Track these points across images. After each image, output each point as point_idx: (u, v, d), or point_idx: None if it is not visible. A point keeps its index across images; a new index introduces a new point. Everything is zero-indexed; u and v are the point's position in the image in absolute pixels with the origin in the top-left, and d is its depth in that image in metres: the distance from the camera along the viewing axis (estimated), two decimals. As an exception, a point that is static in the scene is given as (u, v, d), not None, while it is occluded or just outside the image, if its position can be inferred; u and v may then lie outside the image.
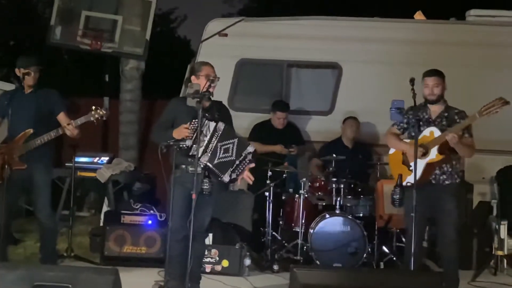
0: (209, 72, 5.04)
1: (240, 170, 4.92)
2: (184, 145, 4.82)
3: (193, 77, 5.14)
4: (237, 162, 4.90)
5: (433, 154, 5.18)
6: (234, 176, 4.91)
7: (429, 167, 5.21)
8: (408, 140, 5.37)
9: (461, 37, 7.56)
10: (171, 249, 4.97)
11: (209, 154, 4.83)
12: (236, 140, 4.92)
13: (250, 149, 4.94)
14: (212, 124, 4.85)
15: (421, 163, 5.17)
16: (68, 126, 5.46)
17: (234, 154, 4.90)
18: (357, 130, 7.25)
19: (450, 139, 5.05)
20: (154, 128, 5.24)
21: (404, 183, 5.24)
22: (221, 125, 4.89)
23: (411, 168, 5.18)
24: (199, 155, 4.73)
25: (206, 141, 4.81)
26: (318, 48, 7.68)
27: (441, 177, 5.28)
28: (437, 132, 5.18)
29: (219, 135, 4.87)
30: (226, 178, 4.89)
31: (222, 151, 4.87)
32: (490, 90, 6.86)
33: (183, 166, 4.93)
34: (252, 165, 4.97)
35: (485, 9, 7.91)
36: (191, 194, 4.65)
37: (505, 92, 7.10)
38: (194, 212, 4.61)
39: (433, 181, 5.28)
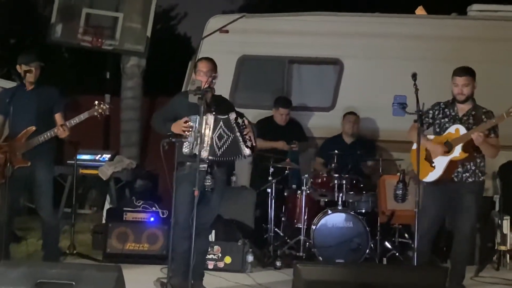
0: (201, 67, 5.05)
1: (248, 137, 4.90)
2: (186, 141, 4.84)
3: (193, 75, 5.16)
4: (238, 134, 4.88)
5: (457, 152, 5.15)
6: (249, 145, 4.89)
7: (452, 164, 5.19)
8: (432, 136, 5.34)
9: (463, 32, 7.55)
10: (178, 246, 4.96)
11: (208, 148, 4.84)
12: (221, 122, 4.90)
13: (232, 115, 4.92)
14: (204, 118, 4.85)
15: (444, 160, 5.16)
16: (62, 127, 5.48)
17: (229, 132, 4.89)
18: (355, 125, 7.22)
19: (475, 138, 5.03)
20: (155, 115, 5.29)
21: (425, 180, 5.22)
22: (210, 117, 4.88)
23: (434, 165, 5.17)
24: (199, 153, 4.75)
25: (202, 137, 4.82)
26: (319, 44, 7.67)
27: (464, 175, 5.24)
28: (462, 130, 5.16)
29: (211, 127, 4.87)
30: (247, 152, 4.88)
31: (217, 140, 4.87)
32: (492, 85, 6.88)
33: (188, 163, 4.93)
34: (247, 121, 4.95)
35: (487, 4, 7.89)
36: (198, 190, 4.66)
37: (507, 87, 7.18)
38: (200, 209, 4.63)
39: (455, 179, 5.25)
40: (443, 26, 7.69)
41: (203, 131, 4.80)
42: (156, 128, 5.22)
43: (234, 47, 7.70)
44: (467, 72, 5.26)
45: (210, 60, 5.14)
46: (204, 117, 4.82)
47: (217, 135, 4.88)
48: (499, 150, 5.27)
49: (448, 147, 5.18)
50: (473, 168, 5.26)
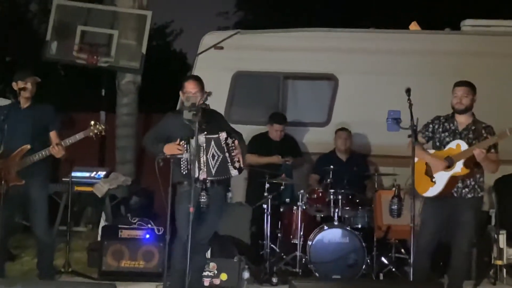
0: (190, 88, 5.06)
1: (237, 157, 4.96)
2: (181, 157, 4.85)
3: (180, 93, 5.17)
4: (227, 154, 4.93)
5: (459, 167, 5.16)
6: (237, 166, 4.96)
7: (453, 180, 5.20)
8: (432, 151, 5.35)
9: (457, 47, 7.59)
10: (178, 263, 4.94)
11: (205, 170, 4.85)
12: (212, 141, 4.94)
13: (223, 135, 4.96)
14: (197, 139, 4.86)
15: (445, 176, 5.17)
16: (57, 146, 5.46)
17: (219, 152, 4.93)
18: (347, 140, 7.22)
19: (477, 154, 5.04)
20: (147, 135, 5.31)
21: (425, 194, 5.21)
22: (202, 139, 4.90)
23: (434, 180, 5.18)
24: (199, 175, 4.77)
25: (197, 158, 4.83)
26: (314, 59, 7.69)
27: (463, 190, 5.25)
28: (464, 146, 5.17)
29: (204, 148, 4.89)
30: (234, 173, 4.96)
31: (211, 159, 4.92)
32: (486, 100, 6.90)
33: (186, 182, 4.93)
34: (237, 142, 5.00)
35: (480, 19, 7.94)
36: (198, 207, 4.66)
37: (500, 101, 7.21)
38: (197, 225, 4.63)
39: (455, 194, 5.26)
40: (437, 41, 7.73)
41: (196, 152, 4.82)
42: (148, 149, 5.24)
43: (229, 63, 7.71)
44: (467, 84, 5.33)
45: (197, 79, 5.15)
46: (196, 138, 4.83)
47: (210, 155, 4.90)
48: (499, 166, 5.28)
49: (449, 162, 5.19)
50: (472, 183, 5.27)
